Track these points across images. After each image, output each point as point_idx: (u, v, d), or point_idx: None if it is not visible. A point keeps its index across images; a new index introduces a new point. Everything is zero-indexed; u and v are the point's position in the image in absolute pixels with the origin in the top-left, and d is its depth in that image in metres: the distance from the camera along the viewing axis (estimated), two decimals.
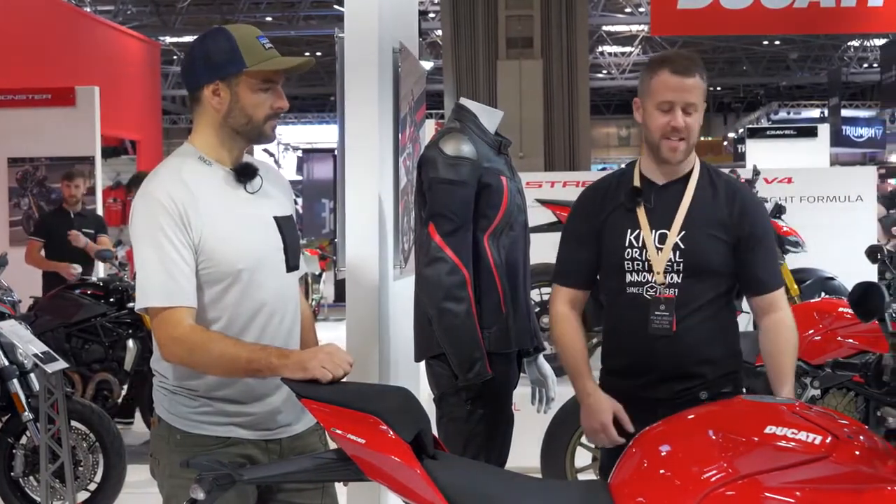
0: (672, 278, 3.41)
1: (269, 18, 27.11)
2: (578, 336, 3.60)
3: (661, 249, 3.41)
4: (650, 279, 3.43)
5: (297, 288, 3.27)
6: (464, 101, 4.27)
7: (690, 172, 3.49)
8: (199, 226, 2.95)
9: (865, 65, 33.84)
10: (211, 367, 2.93)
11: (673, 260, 3.40)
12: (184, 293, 2.93)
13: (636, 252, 3.45)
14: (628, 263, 3.47)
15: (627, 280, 3.47)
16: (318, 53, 29.24)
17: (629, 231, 3.47)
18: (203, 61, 3.04)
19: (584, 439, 5.67)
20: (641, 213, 3.47)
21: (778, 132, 18.98)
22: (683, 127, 3.39)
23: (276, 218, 3.14)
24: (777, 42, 30.86)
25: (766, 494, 2.44)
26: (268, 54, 3.03)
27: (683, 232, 3.41)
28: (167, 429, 3.08)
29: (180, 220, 2.93)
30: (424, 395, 4.37)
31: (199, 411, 3.05)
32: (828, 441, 2.52)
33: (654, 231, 3.44)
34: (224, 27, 3.08)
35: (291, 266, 3.17)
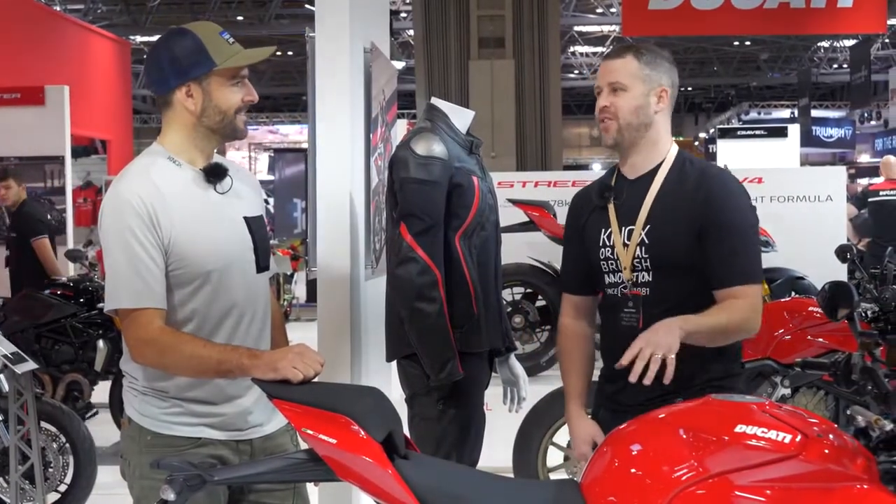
0: (643, 276, 3.30)
1: (240, 18, 27.04)
2: (577, 353, 3.53)
3: (627, 246, 3.32)
4: (622, 278, 3.34)
5: (267, 288, 3.26)
6: (435, 100, 4.27)
7: (661, 164, 3.37)
8: (168, 227, 2.94)
9: (835, 65, 34.07)
10: (181, 369, 2.92)
11: (640, 256, 3.30)
12: (153, 294, 2.92)
13: (608, 251, 3.37)
14: (603, 264, 3.39)
15: (606, 281, 3.41)
16: (290, 53, 29.17)
17: (602, 230, 3.40)
18: (171, 64, 3.02)
19: (555, 439, 5.69)
20: (612, 211, 3.39)
21: (748, 132, 19.13)
22: (608, 106, 3.33)
23: (246, 218, 3.14)
24: (747, 42, 31.04)
25: (737, 493, 2.45)
26: (234, 49, 3.03)
27: (648, 226, 3.29)
28: (138, 430, 3.07)
29: (149, 220, 2.92)
30: (396, 394, 4.36)
31: (169, 412, 3.04)
32: (798, 440, 2.53)
33: (623, 228, 3.35)
34: (185, 27, 3.07)
35: (262, 266, 3.17)
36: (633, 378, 2.90)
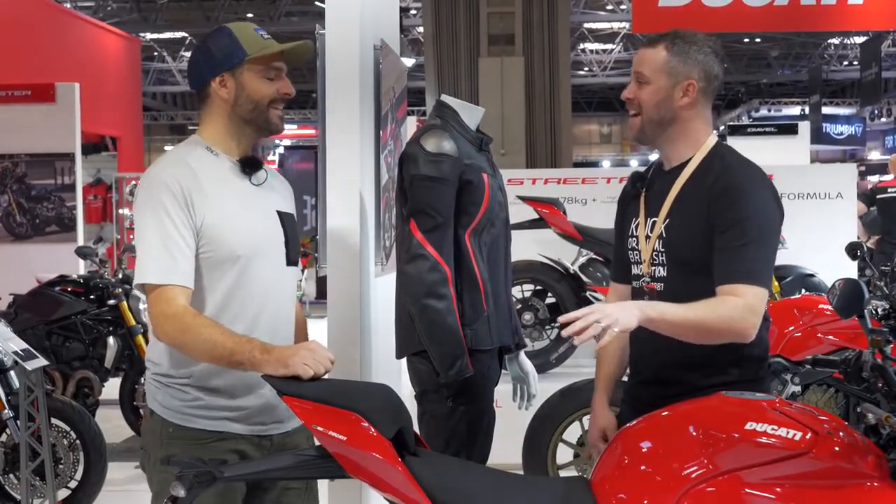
0: (659, 271, 3.22)
1: (250, 15, 27.05)
2: (611, 343, 3.21)
3: (649, 239, 3.24)
4: (642, 271, 3.28)
5: (294, 283, 3.34)
6: (445, 97, 4.26)
7: (693, 158, 3.23)
8: (202, 209, 3.01)
9: (845, 62, 33.97)
10: (196, 352, 2.95)
11: (658, 250, 3.21)
12: (180, 272, 2.97)
13: (634, 242, 3.31)
14: (630, 254, 3.34)
15: (632, 273, 3.35)
16: None
17: (633, 220, 3.34)
18: (206, 58, 3.16)
19: (565, 436, 5.69)
20: (642, 202, 3.32)
21: (759, 129, 19.03)
22: (631, 99, 3.25)
23: (278, 212, 3.23)
24: (758, 40, 30.96)
25: (747, 490, 2.45)
26: (267, 43, 3.15)
27: (668, 220, 3.19)
28: (160, 422, 3.10)
29: (184, 201, 2.99)
30: (406, 391, 4.36)
31: (191, 405, 3.07)
32: (808, 437, 2.53)
33: (648, 220, 3.27)
34: (222, 26, 3.20)
35: (291, 260, 3.25)
36: (565, 333, 2.79)
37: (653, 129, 3.26)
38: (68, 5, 22.48)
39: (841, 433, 2.60)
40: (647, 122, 3.25)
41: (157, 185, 3.01)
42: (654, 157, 3.48)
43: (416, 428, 2.92)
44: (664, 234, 3.21)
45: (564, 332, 2.81)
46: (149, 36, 28.22)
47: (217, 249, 3.04)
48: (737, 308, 3.00)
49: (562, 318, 2.84)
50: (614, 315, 2.82)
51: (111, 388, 8.05)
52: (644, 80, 3.23)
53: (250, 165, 3.18)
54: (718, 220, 3.09)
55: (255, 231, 3.12)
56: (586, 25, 28.85)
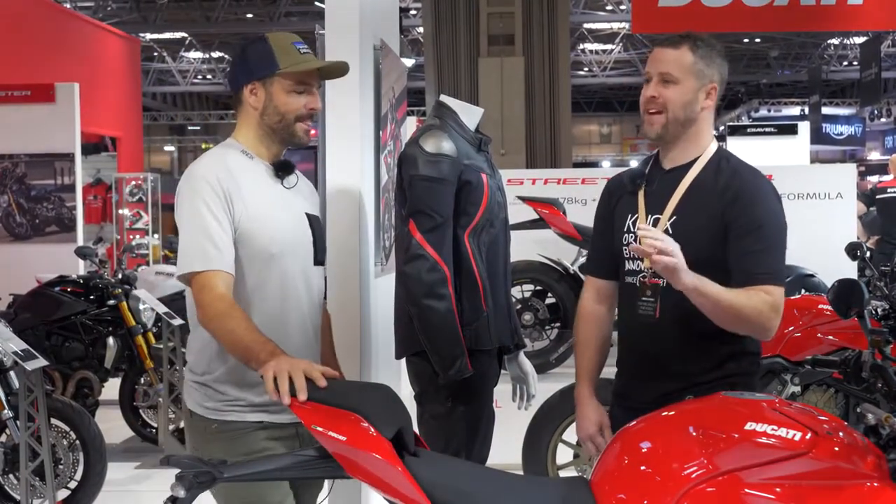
0: None
1: (249, 15, 27.05)
2: (592, 336, 3.50)
3: None
4: (641, 266, 3.29)
5: (322, 282, 3.46)
6: (444, 98, 4.26)
7: (698, 159, 3.29)
8: (239, 206, 3.15)
9: (845, 62, 33.97)
10: (223, 343, 3.06)
11: None
12: (222, 258, 3.09)
13: (631, 237, 3.32)
14: (625, 249, 3.35)
15: (626, 268, 3.36)
16: None
17: (629, 216, 3.35)
18: (242, 65, 3.30)
19: (565, 436, 5.69)
20: (641, 198, 3.34)
21: (758, 130, 19.07)
22: (655, 97, 3.26)
23: (307, 214, 3.36)
24: (757, 40, 30.98)
25: (747, 490, 2.45)
26: (302, 58, 3.27)
27: (674, 218, 3.23)
28: (202, 420, 3.22)
29: (223, 196, 3.12)
30: (406, 391, 4.36)
31: (224, 400, 3.19)
32: (808, 437, 2.53)
33: (649, 216, 3.28)
34: (263, 35, 3.33)
35: (319, 260, 3.38)
36: (633, 247, 2.99)
37: (676, 129, 3.29)
38: (68, 5, 22.48)
39: (841, 433, 2.60)
40: (672, 120, 3.27)
41: (197, 180, 3.14)
42: None
43: (415, 428, 2.91)
44: (669, 231, 3.22)
45: (633, 247, 2.95)
46: (149, 36, 28.21)
47: (251, 246, 3.16)
48: (766, 303, 3.11)
49: (641, 233, 2.96)
50: (677, 260, 2.93)
51: (111, 388, 8.04)
52: (672, 79, 3.25)
53: (283, 169, 3.33)
54: (734, 224, 3.17)
55: (286, 230, 3.25)
56: (586, 25, 28.87)
